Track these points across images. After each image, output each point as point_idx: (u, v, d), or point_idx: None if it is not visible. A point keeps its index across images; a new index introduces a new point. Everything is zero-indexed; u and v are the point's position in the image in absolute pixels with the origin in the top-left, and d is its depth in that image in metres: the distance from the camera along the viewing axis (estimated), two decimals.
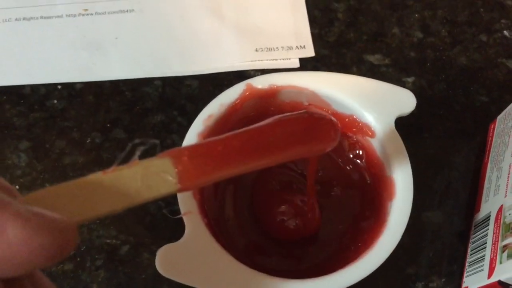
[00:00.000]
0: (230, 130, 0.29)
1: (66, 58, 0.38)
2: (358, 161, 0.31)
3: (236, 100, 0.29)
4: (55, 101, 0.36)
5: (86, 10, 0.39)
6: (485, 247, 0.30)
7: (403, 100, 0.30)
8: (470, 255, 0.32)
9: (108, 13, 0.39)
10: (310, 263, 0.29)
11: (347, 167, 0.31)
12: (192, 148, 0.20)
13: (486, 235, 0.30)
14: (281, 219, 0.29)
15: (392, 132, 0.29)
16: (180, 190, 0.19)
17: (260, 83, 0.30)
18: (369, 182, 0.30)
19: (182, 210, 0.26)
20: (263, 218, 0.30)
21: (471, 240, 0.32)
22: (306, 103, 0.31)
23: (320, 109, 0.31)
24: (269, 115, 0.31)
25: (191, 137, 0.28)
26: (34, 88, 0.37)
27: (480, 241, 0.31)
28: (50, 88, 0.37)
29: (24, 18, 0.39)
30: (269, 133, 0.22)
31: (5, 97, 0.36)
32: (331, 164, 0.31)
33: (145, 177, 0.18)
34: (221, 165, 0.20)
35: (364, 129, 0.30)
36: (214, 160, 0.20)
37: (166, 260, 0.25)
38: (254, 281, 0.25)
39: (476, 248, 0.31)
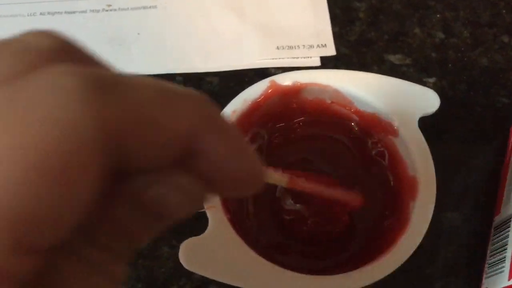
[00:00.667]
0: (253, 125, 0.30)
1: None
2: (381, 159, 0.31)
3: (260, 96, 0.30)
4: None
5: (109, 5, 0.40)
6: (506, 249, 0.30)
7: (427, 100, 0.30)
8: (490, 256, 0.32)
9: (131, 9, 0.40)
10: (331, 261, 0.29)
11: (370, 166, 0.31)
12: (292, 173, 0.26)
13: (507, 236, 0.30)
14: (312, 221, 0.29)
15: (415, 132, 0.29)
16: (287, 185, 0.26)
17: (284, 80, 0.30)
18: (391, 181, 0.30)
19: (205, 204, 0.26)
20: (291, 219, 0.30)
21: (491, 242, 0.32)
22: (329, 101, 0.31)
23: (343, 107, 0.31)
24: (292, 111, 0.31)
25: None
26: None
27: (501, 242, 0.31)
28: None
29: (48, 13, 0.39)
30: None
31: None
32: (354, 162, 0.31)
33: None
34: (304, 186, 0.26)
35: (387, 128, 0.30)
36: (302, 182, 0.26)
37: (189, 253, 0.25)
38: (276, 276, 0.25)
39: (496, 250, 0.31)
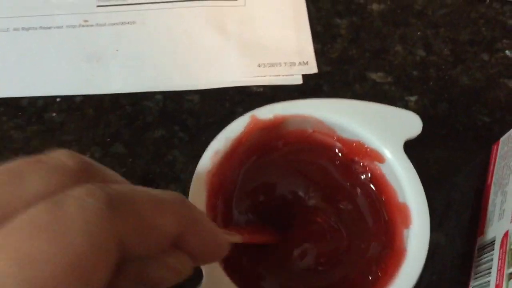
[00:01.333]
0: (237, 163, 0.29)
1: (66, 70, 0.37)
2: (368, 186, 0.31)
3: (242, 133, 0.29)
4: (54, 114, 0.36)
5: (86, 21, 0.39)
6: (490, 273, 0.30)
7: (409, 123, 0.30)
8: (474, 279, 0.32)
9: (109, 24, 0.39)
10: None
11: (357, 193, 0.31)
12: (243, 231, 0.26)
13: (491, 260, 0.30)
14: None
15: (402, 157, 0.29)
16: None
17: (264, 114, 0.29)
18: (380, 208, 0.30)
19: None
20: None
21: (475, 264, 0.32)
22: (311, 130, 0.30)
23: (325, 136, 0.30)
24: (274, 144, 0.31)
25: (201, 175, 0.27)
26: (32, 100, 0.36)
27: (485, 265, 0.31)
28: (49, 101, 0.36)
29: (22, 28, 0.38)
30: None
31: (2, 109, 0.36)
32: (341, 190, 0.31)
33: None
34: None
35: (372, 154, 0.29)
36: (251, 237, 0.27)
37: None
38: None
39: (480, 273, 0.31)
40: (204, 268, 0.25)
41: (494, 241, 0.30)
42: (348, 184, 0.31)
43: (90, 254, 0.15)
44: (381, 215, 0.30)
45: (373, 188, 0.30)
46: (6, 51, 0.37)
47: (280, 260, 0.29)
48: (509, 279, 0.27)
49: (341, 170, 0.31)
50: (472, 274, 0.32)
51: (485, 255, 0.31)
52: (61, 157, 0.17)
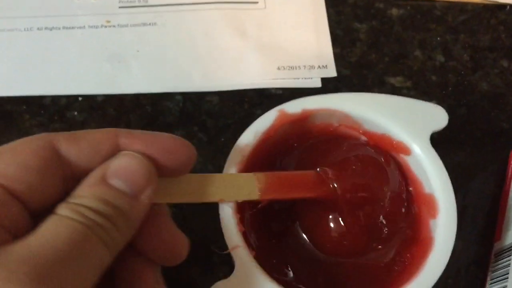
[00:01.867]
0: (265, 156, 0.30)
1: (88, 70, 0.37)
2: (397, 177, 0.31)
3: (270, 127, 0.29)
4: (76, 113, 0.36)
5: (108, 21, 0.39)
6: (507, 277, 0.30)
7: (435, 116, 0.30)
8: (490, 284, 0.32)
9: (131, 25, 0.39)
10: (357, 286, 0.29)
11: (385, 184, 0.31)
12: (269, 175, 0.27)
13: (509, 265, 0.30)
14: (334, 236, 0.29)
15: (428, 149, 0.29)
16: (259, 198, 0.27)
17: (292, 108, 0.30)
18: (407, 199, 0.30)
19: (229, 245, 0.26)
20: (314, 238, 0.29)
21: (491, 269, 0.32)
22: (337, 124, 0.31)
23: (351, 129, 0.31)
24: (301, 137, 0.31)
25: (230, 167, 0.28)
26: (55, 99, 0.37)
27: (502, 270, 0.31)
28: (71, 100, 0.37)
29: (46, 28, 0.39)
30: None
31: (25, 107, 0.36)
32: (371, 180, 0.31)
33: (236, 183, 0.27)
34: (284, 192, 0.28)
35: (399, 147, 0.30)
36: (281, 187, 0.27)
37: None
38: None
39: (497, 277, 0.31)
40: (236, 256, 0.26)
41: (511, 246, 0.30)
42: (376, 175, 0.31)
43: None
44: (409, 205, 0.30)
45: (400, 179, 0.30)
46: (30, 50, 0.38)
47: (305, 248, 0.29)
48: None
49: (368, 161, 0.31)
50: (488, 279, 0.32)
51: (502, 261, 0.31)
52: None
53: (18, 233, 0.18)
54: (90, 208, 0.19)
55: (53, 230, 0.18)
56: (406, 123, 0.30)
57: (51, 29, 0.39)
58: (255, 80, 0.38)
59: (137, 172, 0.20)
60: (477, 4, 0.43)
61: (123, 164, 0.20)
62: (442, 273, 0.33)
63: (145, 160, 0.21)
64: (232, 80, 0.38)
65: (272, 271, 0.26)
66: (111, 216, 0.19)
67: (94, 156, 0.21)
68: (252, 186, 0.26)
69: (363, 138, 0.31)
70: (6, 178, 0.19)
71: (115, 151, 0.21)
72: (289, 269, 0.29)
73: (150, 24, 0.40)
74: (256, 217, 0.29)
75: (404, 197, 0.30)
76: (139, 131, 0.23)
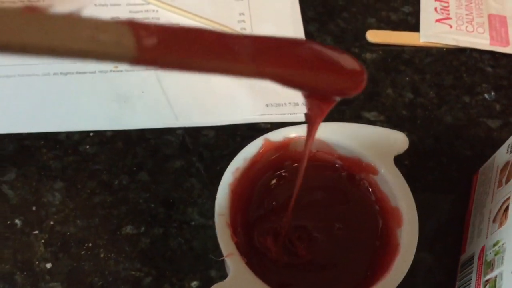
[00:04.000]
0: (254, 179, 0.34)
1: (98, 109, 0.42)
2: (368, 195, 0.36)
3: (257, 153, 0.34)
4: (88, 147, 0.41)
5: (116, 67, 0.44)
6: (470, 283, 0.34)
7: (398, 141, 0.35)
8: None
9: (136, 70, 0.44)
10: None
11: (358, 201, 0.36)
12: (159, 27, 0.19)
13: (471, 272, 0.34)
14: None
15: (392, 169, 0.34)
16: (134, 61, 0.19)
17: (275, 136, 0.35)
18: (378, 214, 0.35)
19: (224, 252, 0.30)
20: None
21: (458, 278, 0.36)
22: (315, 150, 0.36)
23: (327, 155, 0.36)
24: (284, 162, 0.36)
25: (224, 187, 0.32)
26: (69, 134, 0.41)
27: (466, 277, 0.35)
28: (83, 135, 0.41)
29: (61, 73, 0.44)
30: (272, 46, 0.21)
31: (42, 142, 0.41)
32: (345, 197, 0.36)
33: (100, 31, 0.18)
34: (185, 54, 0.19)
35: (368, 168, 0.35)
36: (179, 47, 0.19)
37: None
38: None
39: (463, 285, 0.35)
40: (230, 262, 0.29)
41: (473, 256, 0.35)
42: (349, 193, 0.36)
43: None
44: (377, 219, 0.35)
45: (372, 197, 0.35)
46: (47, 92, 0.43)
47: (285, 257, 0.33)
48: (485, 286, 0.31)
49: (344, 183, 0.36)
50: (456, 287, 0.36)
51: (466, 269, 0.35)
52: None
53: None
54: None
55: None
56: (373, 148, 0.35)
57: (66, 74, 0.44)
58: (247, 116, 0.43)
59: None
60: (440, 49, 0.49)
61: None
62: (414, 285, 0.37)
63: None
64: (226, 116, 0.43)
65: (264, 276, 0.30)
66: None
67: None
68: (121, 37, 0.18)
69: (338, 162, 0.36)
70: None
71: None
72: (278, 275, 0.33)
73: (153, 69, 0.45)
74: (248, 229, 0.33)
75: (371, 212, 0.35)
76: None
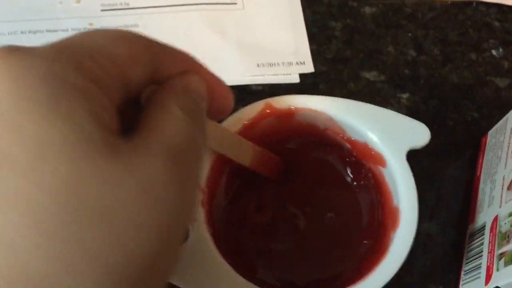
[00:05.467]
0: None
1: None
2: (370, 187, 0.32)
3: (254, 117, 0.30)
4: None
5: (91, 24, 0.40)
6: (482, 256, 0.31)
7: (417, 133, 0.30)
8: (466, 263, 0.33)
9: (113, 27, 0.40)
10: (310, 281, 0.30)
11: (359, 192, 0.33)
12: (258, 149, 0.30)
13: (482, 244, 0.32)
14: None
15: (403, 164, 0.29)
16: (248, 166, 0.29)
17: (279, 103, 0.30)
18: (376, 209, 0.31)
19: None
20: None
21: (467, 249, 0.34)
22: (322, 127, 0.31)
23: (336, 135, 0.31)
24: (286, 133, 0.32)
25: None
26: None
27: (476, 249, 0.32)
28: None
29: (29, 31, 0.39)
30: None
31: None
32: (344, 185, 0.33)
33: (236, 144, 0.28)
34: (266, 166, 0.30)
35: (376, 157, 0.30)
36: (264, 162, 0.30)
37: None
38: None
39: (472, 257, 0.33)
40: (192, 229, 0.26)
41: (484, 226, 0.32)
42: (352, 182, 0.33)
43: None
44: (376, 216, 0.31)
45: (373, 189, 0.31)
46: None
47: (274, 248, 0.30)
48: (499, 259, 0.29)
49: (348, 169, 0.32)
50: (464, 259, 0.34)
51: (476, 240, 0.33)
52: None
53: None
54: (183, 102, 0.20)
55: (172, 125, 0.19)
56: (387, 136, 0.30)
57: (35, 32, 0.40)
58: (237, 77, 0.39)
59: (203, 92, 0.22)
60: (445, 2, 0.45)
61: (195, 80, 0.22)
62: (419, 257, 0.35)
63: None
64: None
65: (227, 249, 0.27)
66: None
67: (175, 69, 0.21)
68: (247, 153, 0.29)
69: (347, 145, 0.32)
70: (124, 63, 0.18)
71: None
72: (245, 251, 0.30)
73: (132, 26, 0.41)
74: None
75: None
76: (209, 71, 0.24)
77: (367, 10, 0.44)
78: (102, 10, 0.41)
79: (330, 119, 0.31)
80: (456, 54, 0.43)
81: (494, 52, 0.43)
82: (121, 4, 0.42)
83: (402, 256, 0.27)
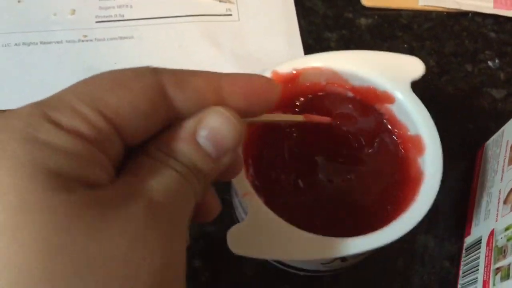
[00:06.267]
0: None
1: (66, 83, 0.38)
2: (384, 127, 0.33)
3: None
4: None
5: (85, 36, 0.40)
6: (478, 270, 0.31)
7: (413, 66, 0.33)
8: (462, 277, 0.33)
9: (108, 39, 0.40)
10: (353, 223, 0.30)
11: (376, 133, 0.33)
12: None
13: (478, 257, 0.31)
14: None
15: (410, 95, 0.31)
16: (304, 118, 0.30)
17: (284, 69, 0.32)
18: (397, 145, 0.32)
19: (239, 193, 0.28)
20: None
21: (463, 263, 0.34)
22: (324, 82, 0.33)
23: (338, 87, 0.33)
24: (292, 95, 0.33)
25: None
26: None
27: (472, 263, 0.32)
28: None
29: (23, 43, 0.39)
30: None
31: None
32: (360, 131, 0.33)
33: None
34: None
35: (383, 96, 0.32)
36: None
37: (234, 239, 0.26)
38: (316, 243, 0.26)
39: (468, 271, 0.32)
40: (248, 203, 0.27)
41: (480, 240, 0.32)
42: (366, 126, 0.33)
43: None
44: (397, 149, 0.32)
45: (388, 126, 0.33)
46: (8, 65, 0.38)
47: (308, 189, 0.31)
48: (495, 274, 0.28)
49: (357, 115, 0.33)
50: (460, 272, 0.33)
51: (472, 254, 0.32)
52: None
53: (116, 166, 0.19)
54: (181, 162, 0.19)
55: (163, 178, 0.18)
56: (389, 74, 0.32)
57: (28, 44, 0.39)
58: None
59: (226, 137, 0.20)
60: (441, 12, 0.45)
61: (215, 126, 0.20)
62: (416, 270, 0.35)
63: (237, 123, 0.20)
64: None
65: (281, 212, 0.27)
66: (196, 173, 0.20)
67: (197, 104, 0.20)
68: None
69: (350, 93, 0.33)
70: (117, 115, 0.18)
71: (217, 101, 0.21)
72: (296, 209, 0.30)
73: (127, 37, 0.41)
74: (260, 163, 0.31)
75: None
76: (239, 74, 0.23)
77: (363, 21, 0.44)
78: (96, 22, 0.41)
79: (333, 73, 0.32)
80: (452, 65, 0.43)
81: (490, 63, 0.43)
82: (116, 15, 0.42)
83: (439, 172, 0.29)
